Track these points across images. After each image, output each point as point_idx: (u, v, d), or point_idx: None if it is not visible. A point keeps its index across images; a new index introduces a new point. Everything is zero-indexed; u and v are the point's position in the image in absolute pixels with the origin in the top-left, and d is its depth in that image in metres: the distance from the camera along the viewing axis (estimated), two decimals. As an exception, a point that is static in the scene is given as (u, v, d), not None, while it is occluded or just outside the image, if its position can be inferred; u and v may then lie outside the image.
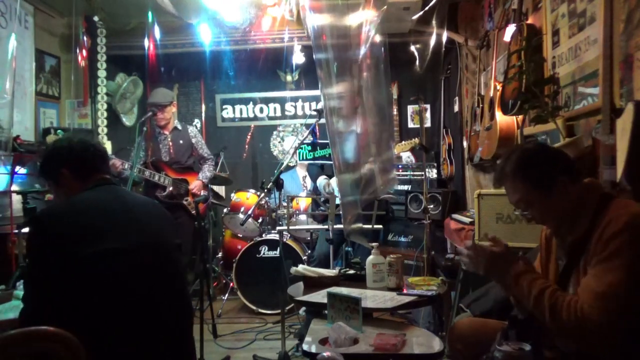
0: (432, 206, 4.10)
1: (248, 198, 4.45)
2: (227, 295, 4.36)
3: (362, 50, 3.16)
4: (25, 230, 2.95)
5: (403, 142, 4.49)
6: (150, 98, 4.07)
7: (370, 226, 3.04)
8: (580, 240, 1.42)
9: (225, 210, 4.56)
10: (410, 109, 5.65)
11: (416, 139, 4.35)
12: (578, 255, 1.43)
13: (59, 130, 4.03)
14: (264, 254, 4.13)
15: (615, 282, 1.25)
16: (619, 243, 1.29)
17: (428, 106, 5.57)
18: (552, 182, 1.43)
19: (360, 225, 2.96)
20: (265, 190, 3.34)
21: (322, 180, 4.30)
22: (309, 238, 4.31)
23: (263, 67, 5.46)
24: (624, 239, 1.28)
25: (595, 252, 1.33)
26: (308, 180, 4.80)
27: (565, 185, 1.43)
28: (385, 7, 3.28)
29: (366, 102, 3.18)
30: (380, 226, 3.23)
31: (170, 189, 3.88)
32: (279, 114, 5.85)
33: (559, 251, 1.56)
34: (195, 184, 4.03)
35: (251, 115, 5.86)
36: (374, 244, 2.41)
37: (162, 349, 1.53)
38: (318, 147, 3.54)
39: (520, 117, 2.91)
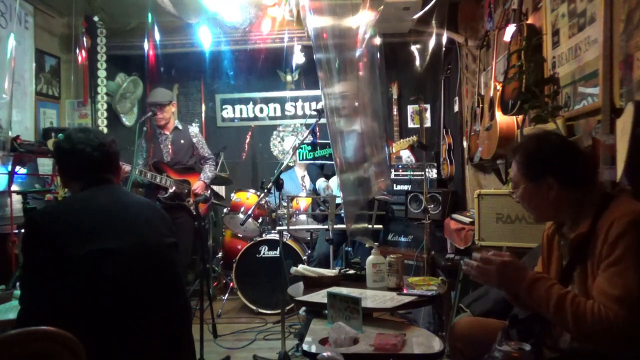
0: (432, 206, 4.10)
1: (248, 198, 4.45)
2: (227, 295, 4.36)
3: (359, 51, 3.17)
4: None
5: (401, 140, 4.49)
6: (149, 98, 4.07)
7: (370, 226, 3.04)
8: (582, 239, 1.43)
9: (225, 210, 4.56)
10: (410, 109, 5.65)
11: (414, 136, 4.35)
12: (581, 253, 1.43)
13: (60, 135, 4.03)
14: (264, 254, 4.13)
15: (630, 284, 1.25)
16: (626, 243, 1.29)
17: (428, 106, 5.57)
18: (539, 177, 1.48)
19: (365, 224, 2.96)
20: (265, 190, 3.34)
21: (321, 182, 4.30)
22: (309, 238, 4.31)
23: (263, 67, 5.46)
24: (631, 239, 1.29)
25: (603, 255, 1.33)
26: (307, 179, 4.80)
27: (550, 186, 1.46)
28: (382, 7, 3.28)
29: (363, 103, 3.18)
30: (380, 226, 3.23)
31: (173, 189, 3.87)
32: (279, 114, 5.84)
33: (563, 251, 1.56)
34: (198, 185, 4.03)
35: (251, 115, 5.86)
36: (375, 244, 2.41)
37: (161, 349, 1.53)
38: (318, 147, 3.54)
39: (520, 117, 2.91)
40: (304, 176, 4.83)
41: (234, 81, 5.69)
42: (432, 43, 4.39)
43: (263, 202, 4.17)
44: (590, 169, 1.55)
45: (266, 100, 5.83)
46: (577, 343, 1.40)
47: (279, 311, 3.62)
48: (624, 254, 1.28)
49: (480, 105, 3.63)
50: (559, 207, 1.49)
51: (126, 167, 3.56)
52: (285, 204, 3.25)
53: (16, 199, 3.34)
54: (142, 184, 3.98)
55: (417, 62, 4.73)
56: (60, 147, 1.67)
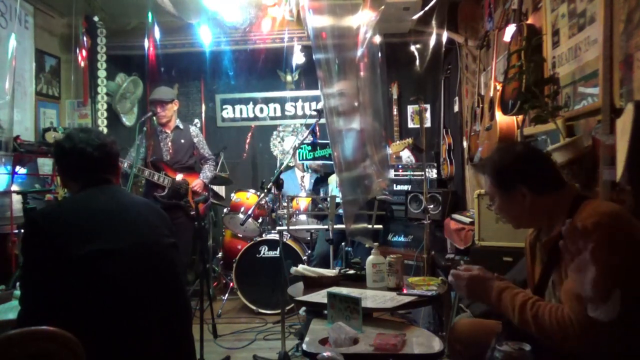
0: (432, 206, 4.10)
1: (248, 198, 4.45)
2: (227, 295, 4.37)
3: (360, 51, 3.16)
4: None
5: (397, 142, 4.51)
6: (152, 95, 4.07)
7: (370, 226, 3.04)
8: (555, 242, 1.44)
9: (225, 210, 4.56)
10: (410, 109, 5.65)
11: (410, 139, 4.37)
12: (555, 256, 1.46)
13: (59, 127, 4.03)
14: (264, 254, 4.13)
15: (591, 284, 1.26)
16: (590, 245, 1.30)
17: (428, 106, 5.57)
18: (511, 187, 1.52)
19: (364, 224, 2.96)
20: (265, 190, 3.35)
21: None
22: (309, 238, 4.31)
23: (263, 67, 5.46)
24: (595, 240, 1.29)
25: (571, 256, 1.35)
26: (306, 180, 4.81)
27: (524, 195, 1.50)
28: (383, 7, 3.28)
29: (363, 102, 3.18)
30: (380, 226, 3.23)
31: (170, 186, 3.87)
32: (279, 114, 5.85)
33: (542, 254, 1.58)
34: (196, 182, 4.02)
35: (251, 115, 5.86)
36: (374, 243, 2.41)
37: (161, 349, 1.53)
38: (318, 147, 3.54)
39: (520, 117, 2.91)
40: (303, 176, 4.84)
41: (234, 81, 5.69)
42: (432, 43, 4.39)
43: (263, 202, 4.17)
44: (557, 173, 1.58)
45: (266, 100, 5.83)
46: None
47: (279, 311, 3.62)
48: (588, 255, 1.29)
49: (480, 105, 3.63)
50: (535, 213, 1.53)
51: (125, 164, 3.57)
52: (285, 204, 3.25)
53: (16, 199, 3.34)
54: (138, 178, 3.99)
55: (417, 62, 4.72)
56: (61, 146, 1.67)
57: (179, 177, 3.94)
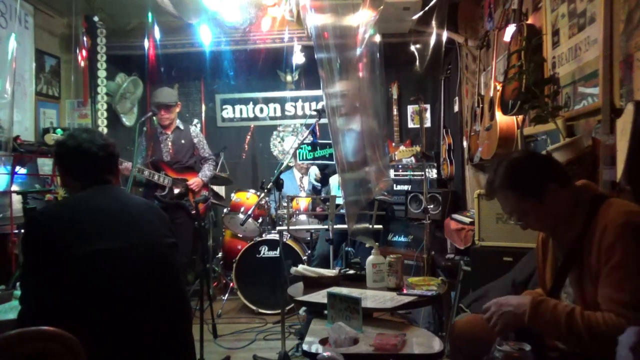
0: (432, 206, 4.10)
1: (248, 198, 4.45)
2: (227, 295, 4.37)
3: (359, 50, 3.17)
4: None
5: (404, 147, 4.51)
6: (155, 97, 4.05)
7: (370, 226, 3.04)
8: (576, 241, 1.43)
9: (225, 210, 4.56)
10: (410, 109, 5.65)
11: (417, 146, 4.38)
12: (575, 255, 1.44)
13: (57, 130, 4.03)
14: (264, 254, 4.13)
15: (636, 287, 1.26)
16: (624, 247, 1.29)
17: (428, 106, 5.57)
18: (542, 189, 1.45)
19: (366, 225, 2.96)
20: (265, 190, 3.34)
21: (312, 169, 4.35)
22: (309, 238, 4.31)
23: (263, 67, 5.46)
24: (627, 242, 1.29)
25: (602, 261, 1.33)
26: (305, 181, 4.81)
27: (556, 190, 1.45)
28: (382, 7, 3.28)
29: (364, 102, 3.19)
30: (380, 226, 3.23)
31: (170, 186, 3.87)
32: (279, 114, 5.85)
33: (556, 252, 1.57)
34: (194, 181, 4.02)
35: (251, 115, 5.86)
36: (375, 243, 2.41)
37: (161, 349, 1.53)
38: (318, 147, 3.54)
39: (520, 117, 2.91)
40: (302, 177, 4.84)
41: (234, 81, 5.69)
42: (432, 43, 4.39)
43: (263, 202, 4.17)
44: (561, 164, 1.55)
45: (266, 100, 5.83)
46: None
47: (279, 311, 3.62)
48: (623, 258, 1.29)
49: (480, 105, 3.63)
50: (565, 209, 1.47)
51: (127, 165, 3.56)
52: (285, 204, 3.25)
53: (16, 199, 3.34)
54: (141, 182, 3.99)
55: (417, 62, 4.72)
56: (65, 145, 1.66)
57: (179, 177, 3.94)
